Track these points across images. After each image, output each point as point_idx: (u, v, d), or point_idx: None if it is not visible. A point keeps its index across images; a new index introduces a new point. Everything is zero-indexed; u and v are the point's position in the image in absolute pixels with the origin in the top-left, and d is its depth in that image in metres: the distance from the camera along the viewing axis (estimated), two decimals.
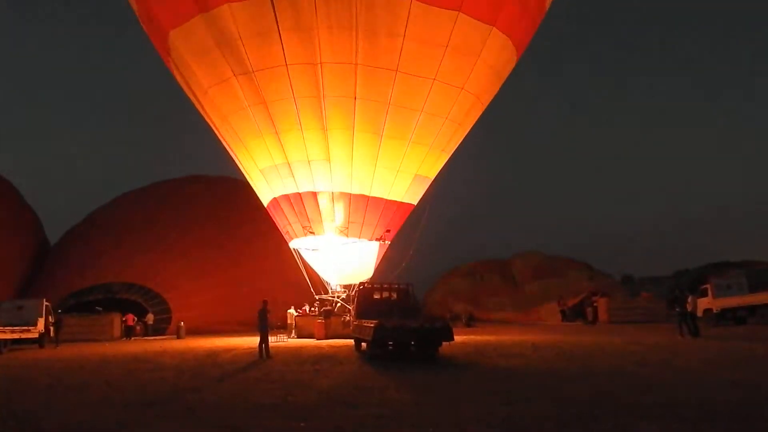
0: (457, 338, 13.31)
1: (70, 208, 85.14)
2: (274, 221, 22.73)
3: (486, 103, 20.78)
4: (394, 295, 15.31)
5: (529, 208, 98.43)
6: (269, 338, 14.36)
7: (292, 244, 22.30)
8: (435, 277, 46.70)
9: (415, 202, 22.14)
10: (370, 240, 21.37)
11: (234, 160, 21.88)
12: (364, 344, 14.47)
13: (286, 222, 21.85)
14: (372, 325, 12.15)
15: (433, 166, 21.28)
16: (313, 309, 23.67)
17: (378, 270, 22.83)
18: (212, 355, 15.18)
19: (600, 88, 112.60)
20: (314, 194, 20.24)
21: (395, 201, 20.92)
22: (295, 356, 14.23)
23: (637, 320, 27.88)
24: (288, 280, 25.24)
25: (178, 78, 20.32)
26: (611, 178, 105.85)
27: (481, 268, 44.78)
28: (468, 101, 19.53)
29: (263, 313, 14.32)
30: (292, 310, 23.79)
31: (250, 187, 22.59)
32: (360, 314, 14.86)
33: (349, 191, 20.04)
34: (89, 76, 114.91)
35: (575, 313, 32.55)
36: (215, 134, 21.38)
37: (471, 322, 30.31)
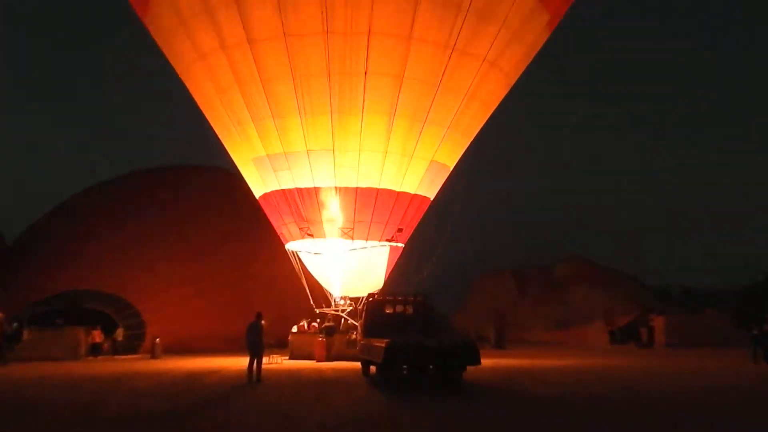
0: (485, 362, 13.22)
1: (31, 201, 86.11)
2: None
3: (513, 78, 20.75)
4: (410, 309, 15.27)
5: (573, 209, 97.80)
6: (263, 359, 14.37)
7: (289, 247, 22.40)
8: (464, 288, 46.65)
9: (431, 195, 22.12)
10: (380, 242, 21.40)
11: (223, 147, 22.03)
12: (373, 367, 14.45)
13: (280, 222, 21.88)
14: (382, 344, 12.10)
15: (451, 152, 21.27)
16: (313, 324, 23.64)
17: (391, 279, 22.82)
18: (194, 377, 15.22)
19: (652, 87, 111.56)
20: (314, 190, 20.30)
21: (408, 193, 20.99)
22: (292, 380, 14.22)
23: (702, 343, 27.53)
24: (288, 291, 25.19)
25: (162, 48, 20.41)
26: (665, 181, 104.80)
27: (520, 275, 44.68)
28: (492, 75, 19.51)
29: (255, 328, 14.25)
30: (295, 329, 23.84)
31: (244, 179, 22.74)
32: (368, 332, 14.82)
33: (354, 185, 20.10)
34: (58, 49, 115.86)
35: (627, 334, 32.23)
36: (202, 116, 21.58)
37: (502, 343, 30.06)
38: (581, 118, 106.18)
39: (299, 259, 22.49)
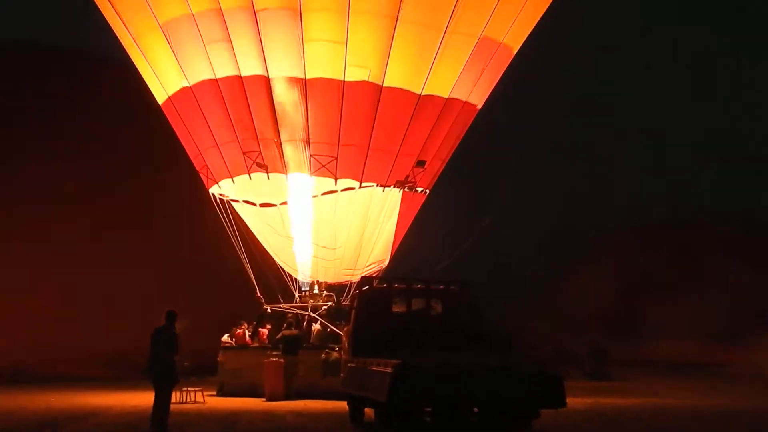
0: (574, 403, 13.18)
1: None
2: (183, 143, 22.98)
3: None
4: (437, 306, 15.33)
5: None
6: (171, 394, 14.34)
7: (218, 192, 22.50)
8: (539, 272, 47.19)
9: (479, 101, 22.33)
10: (385, 186, 21.64)
11: (98, 12, 22.13)
12: (371, 410, 14.56)
13: (209, 142, 21.92)
14: (388, 369, 12.11)
15: (516, 24, 21.38)
16: (262, 331, 23.75)
17: (403, 253, 23.21)
18: (48, 426, 15.22)
19: None
20: (264, 82, 20.41)
21: (437, 97, 21.08)
22: None
23: None
24: (220, 274, 25.66)
25: None
26: None
27: (636, 242, 44.96)
28: None
29: (164, 339, 14.10)
30: (226, 337, 23.90)
31: (136, 72, 22.84)
32: (362, 346, 14.81)
33: (339, 77, 20.18)
34: None
35: None
36: None
37: (602, 368, 30.32)
38: None
39: (235, 213, 22.57)
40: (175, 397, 16.24)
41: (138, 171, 31.13)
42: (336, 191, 21.28)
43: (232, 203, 22.57)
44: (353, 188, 21.34)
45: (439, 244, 23.16)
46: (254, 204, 22.18)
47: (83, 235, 30.48)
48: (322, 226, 21.76)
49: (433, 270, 21.58)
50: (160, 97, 22.49)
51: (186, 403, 19.43)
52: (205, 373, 23.27)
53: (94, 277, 29.90)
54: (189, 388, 20.23)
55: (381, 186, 21.63)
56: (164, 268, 29.26)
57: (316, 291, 22.86)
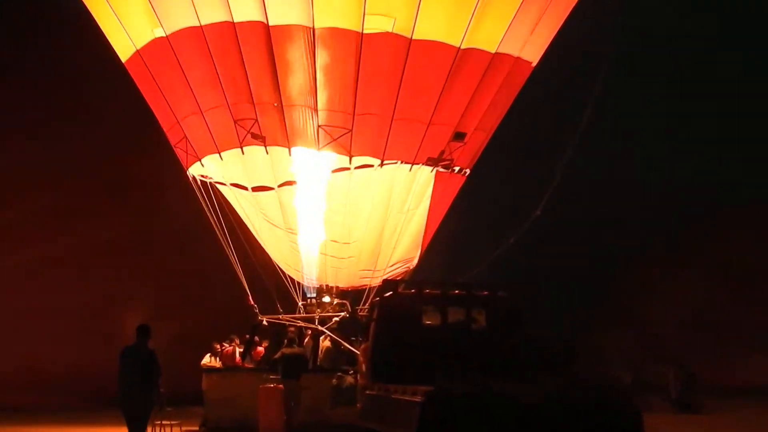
0: None
1: None
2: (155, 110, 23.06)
3: None
4: (480, 318, 15.36)
5: None
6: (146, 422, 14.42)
7: (197, 171, 22.54)
8: (617, 272, 46.97)
9: (534, 57, 22.32)
10: (413, 163, 21.60)
11: None
12: None
13: (190, 108, 21.88)
14: (418, 398, 12.07)
15: None
16: (259, 349, 23.77)
17: (436, 249, 23.28)
18: None
19: None
20: (265, 29, 20.28)
21: (483, 51, 21.00)
22: None
23: None
24: (206, 279, 26.10)
25: None
26: None
27: (734, 234, 44.64)
28: None
29: (136, 359, 14.14)
30: (207, 359, 23.88)
31: (94, 23, 22.80)
32: (384, 368, 14.86)
33: (356, 27, 20.06)
34: None
35: None
36: None
37: (691, 397, 30.19)
38: None
39: (222, 200, 22.65)
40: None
41: (97, 148, 31.27)
42: (352, 171, 21.22)
43: (218, 187, 22.59)
44: (370, 165, 21.27)
45: (480, 243, 22.97)
46: (245, 188, 22.21)
47: (39, 234, 30.73)
48: (332, 215, 21.67)
49: (477, 271, 21.42)
50: (125, 51, 22.36)
51: None
52: (184, 402, 23.33)
53: (57, 279, 30.17)
54: (164, 422, 20.22)
55: (408, 164, 21.52)
56: (132, 268, 29.41)
57: (325, 298, 22.79)
